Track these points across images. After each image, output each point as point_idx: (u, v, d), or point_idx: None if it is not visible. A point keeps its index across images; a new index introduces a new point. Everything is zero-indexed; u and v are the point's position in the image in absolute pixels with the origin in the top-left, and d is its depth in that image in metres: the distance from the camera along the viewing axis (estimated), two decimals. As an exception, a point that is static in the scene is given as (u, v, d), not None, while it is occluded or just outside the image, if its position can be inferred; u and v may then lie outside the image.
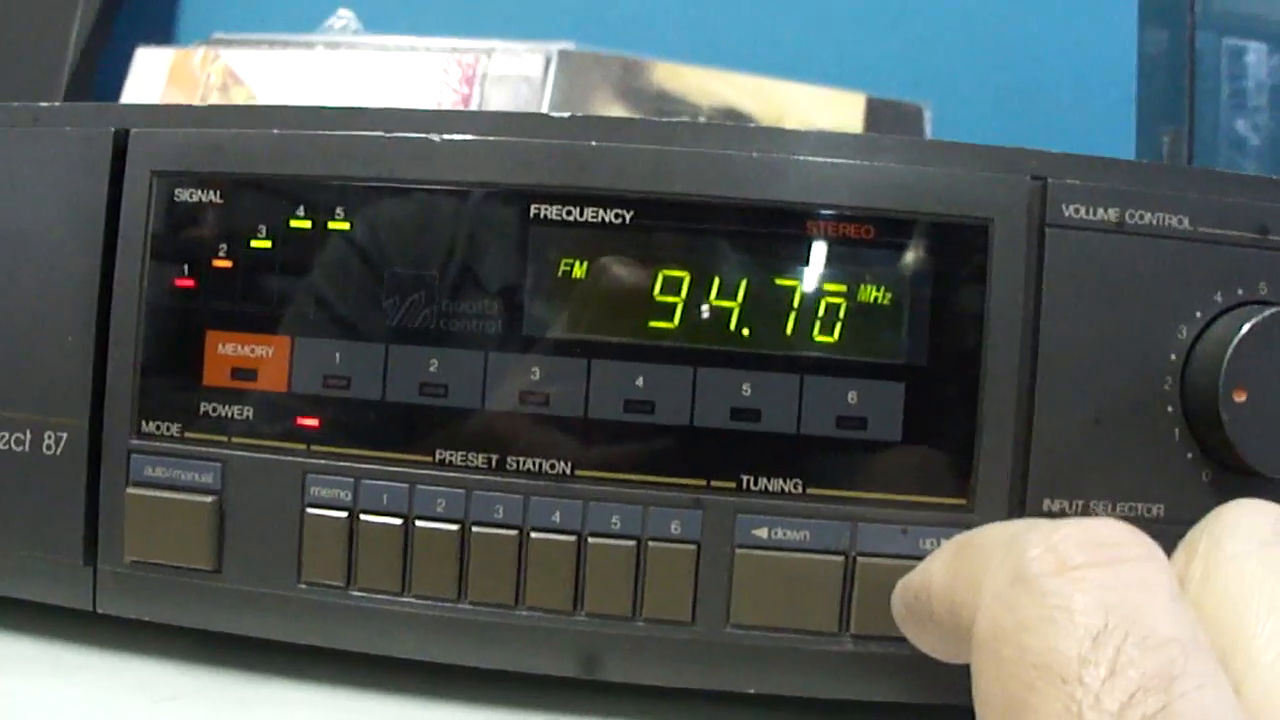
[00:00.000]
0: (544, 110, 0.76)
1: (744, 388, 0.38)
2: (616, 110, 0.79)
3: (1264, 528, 0.29)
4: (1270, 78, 0.81)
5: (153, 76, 0.82)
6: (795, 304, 0.38)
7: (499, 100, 0.77)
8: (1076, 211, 0.38)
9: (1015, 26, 0.93)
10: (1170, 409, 0.38)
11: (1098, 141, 0.89)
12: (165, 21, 0.96)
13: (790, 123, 0.81)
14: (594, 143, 0.39)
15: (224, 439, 0.40)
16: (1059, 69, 0.92)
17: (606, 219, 0.39)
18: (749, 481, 0.38)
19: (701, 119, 0.79)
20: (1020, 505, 0.38)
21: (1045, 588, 0.26)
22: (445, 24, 0.83)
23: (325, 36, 0.83)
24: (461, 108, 0.77)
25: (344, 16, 0.87)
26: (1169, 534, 0.37)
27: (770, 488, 0.38)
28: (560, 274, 0.39)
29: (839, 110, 0.82)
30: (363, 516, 0.39)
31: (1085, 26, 0.92)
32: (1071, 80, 0.92)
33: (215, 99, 0.80)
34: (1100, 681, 0.24)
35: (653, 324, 0.39)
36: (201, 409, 0.41)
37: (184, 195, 0.41)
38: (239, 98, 0.79)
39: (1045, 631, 0.25)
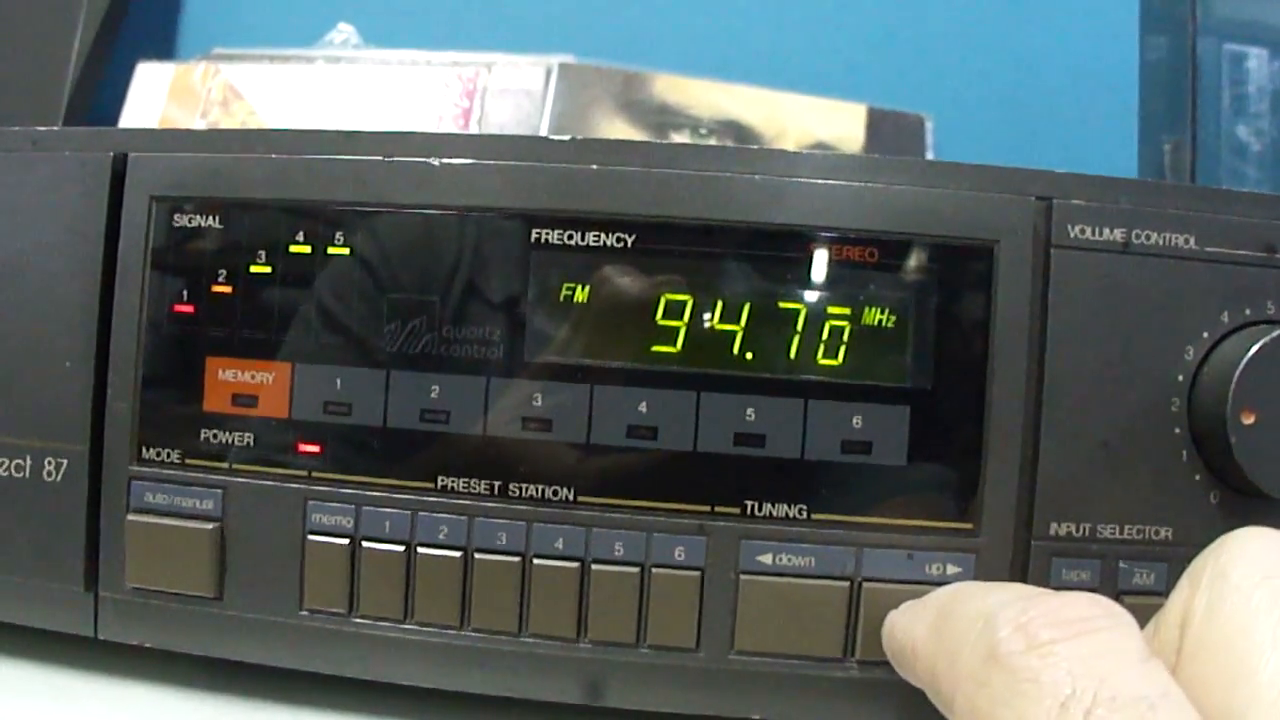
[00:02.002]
0: (545, 123, 0.76)
1: (748, 412, 0.38)
2: (617, 123, 0.78)
3: (1269, 558, 0.29)
4: (1271, 83, 0.81)
5: (154, 91, 0.82)
6: (799, 327, 0.38)
7: (500, 114, 0.77)
8: (1082, 232, 0.38)
9: (1016, 35, 0.92)
10: (1177, 431, 0.38)
11: (1100, 149, 0.88)
12: (166, 36, 0.96)
13: (791, 134, 0.80)
14: (595, 166, 0.39)
15: (224, 465, 0.40)
16: (1061, 77, 0.92)
17: (608, 243, 0.38)
18: (753, 507, 0.38)
19: (702, 131, 0.79)
20: (1027, 529, 0.38)
21: (1015, 665, 0.27)
22: (446, 38, 0.83)
23: (326, 51, 0.83)
24: (462, 122, 0.77)
25: (344, 31, 0.87)
26: (1177, 557, 0.37)
27: (774, 513, 0.38)
28: (562, 298, 0.39)
29: (840, 121, 0.81)
30: (364, 543, 0.39)
31: (1086, 34, 0.92)
32: (1073, 88, 0.92)
33: (216, 114, 0.79)
34: None
35: (655, 348, 0.38)
36: (202, 435, 0.40)
37: (183, 220, 0.41)
38: (240, 113, 0.79)
39: (1016, 704, 0.26)
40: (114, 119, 0.83)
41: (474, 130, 0.76)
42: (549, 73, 0.78)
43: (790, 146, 0.79)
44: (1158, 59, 0.86)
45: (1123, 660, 0.26)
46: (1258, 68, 0.81)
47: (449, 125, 0.77)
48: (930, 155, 0.81)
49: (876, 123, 0.83)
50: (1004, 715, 0.26)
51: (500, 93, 0.78)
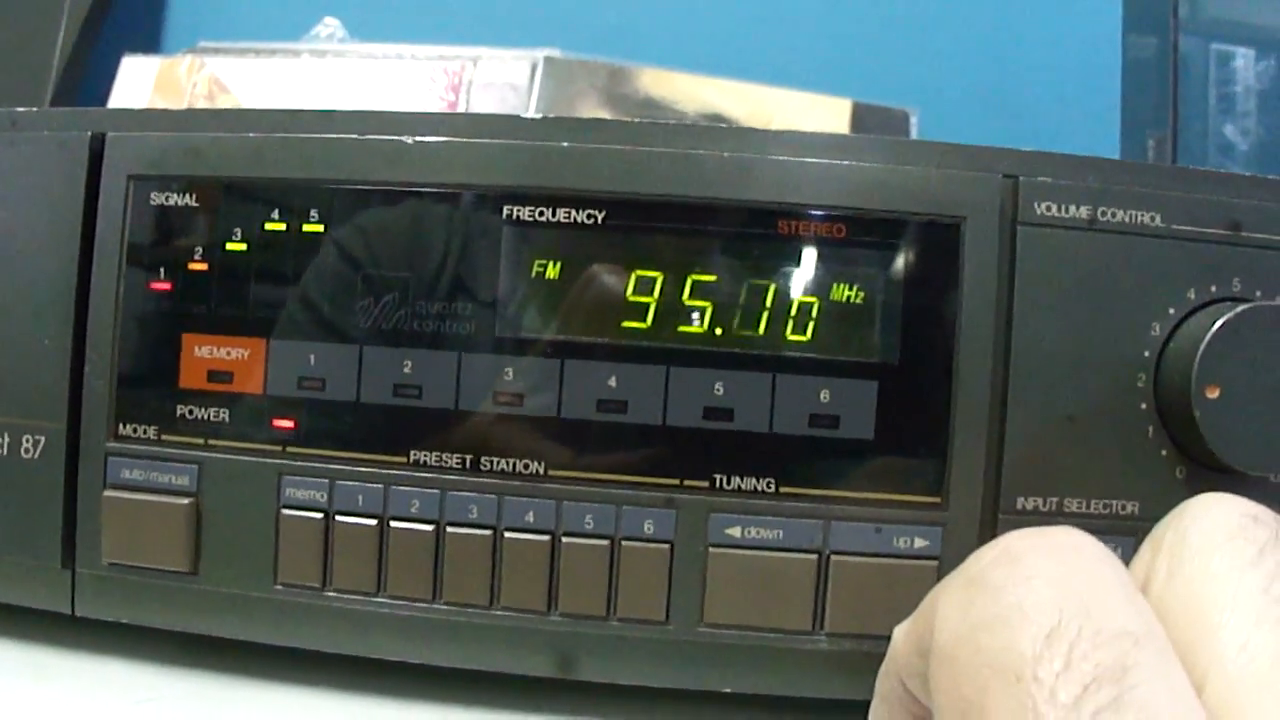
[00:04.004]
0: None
1: (716, 387, 0.38)
2: (602, 116, 0.79)
3: (1230, 521, 0.29)
4: (1257, 82, 0.81)
5: (139, 85, 0.82)
6: (768, 303, 0.38)
7: (485, 107, 0.77)
8: (1048, 209, 0.38)
9: (1001, 32, 0.93)
10: (1143, 406, 0.38)
11: (1082, 146, 0.88)
12: (151, 30, 0.97)
13: (776, 128, 0.81)
14: (566, 144, 0.39)
15: (200, 441, 0.41)
16: (1044, 74, 0.92)
17: (579, 219, 0.39)
18: (722, 481, 0.38)
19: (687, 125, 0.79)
20: (994, 503, 0.38)
21: (998, 582, 0.26)
22: (431, 32, 0.83)
23: (311, 45, 0.83)
24: (447, 115, 0.77)
25: (330, 24, 0.87)
26: (1143, 531, 0.36)
27: (743, 487, 0.38)
28: (533, 274, 0.39)
29: (825, 115, 0.82)
30: (338, 518, 0.40)
31: (1070, 32, 0.92)
32: (1057, 85, 0.92)
33: (201, 107, 0.80)
34: (1055, 676, 0.24)
35: (626, 324, 0.39)
36: (178, 411, 0.41)
37: (160, 199, 0.41)
38: (225, 106, 0.80)
39: (1000, 631, 0.25)
40: (100, 113, 0.83)
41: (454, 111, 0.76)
42: (534, 66, 0.78)
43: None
44: (1143, 57, 0.87)
45: (1108, 591, 0.25)
46: (1244, 67, 0.81)
47: (434, 118, 0.77)
48: (914, 149, 0.82)
49: (861, 117, 0.83)
50: (986, 641, 0.25)
51: (485, 86, 0.78)
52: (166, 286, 0.41)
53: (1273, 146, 0.81)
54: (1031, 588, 0.26)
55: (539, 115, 0.39)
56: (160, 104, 0.80)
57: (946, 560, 0.38)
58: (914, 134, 0.84)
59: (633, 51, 0.83)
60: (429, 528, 0.39)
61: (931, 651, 0.28)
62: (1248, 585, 0.27)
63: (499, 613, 0.39)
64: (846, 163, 0.39)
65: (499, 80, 0.78)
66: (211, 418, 0.40)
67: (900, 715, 0.32)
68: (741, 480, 0.38)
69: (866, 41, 0.93)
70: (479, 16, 0.93)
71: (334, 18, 0.88)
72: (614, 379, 0.38)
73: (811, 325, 0.38)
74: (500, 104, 0.78)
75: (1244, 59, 0.82)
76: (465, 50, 0.80)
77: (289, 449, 0.40)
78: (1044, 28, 0.93)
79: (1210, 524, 0.29)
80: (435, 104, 0.78)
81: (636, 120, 0.40)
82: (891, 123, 0.84)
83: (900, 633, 0.32)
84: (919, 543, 0.38)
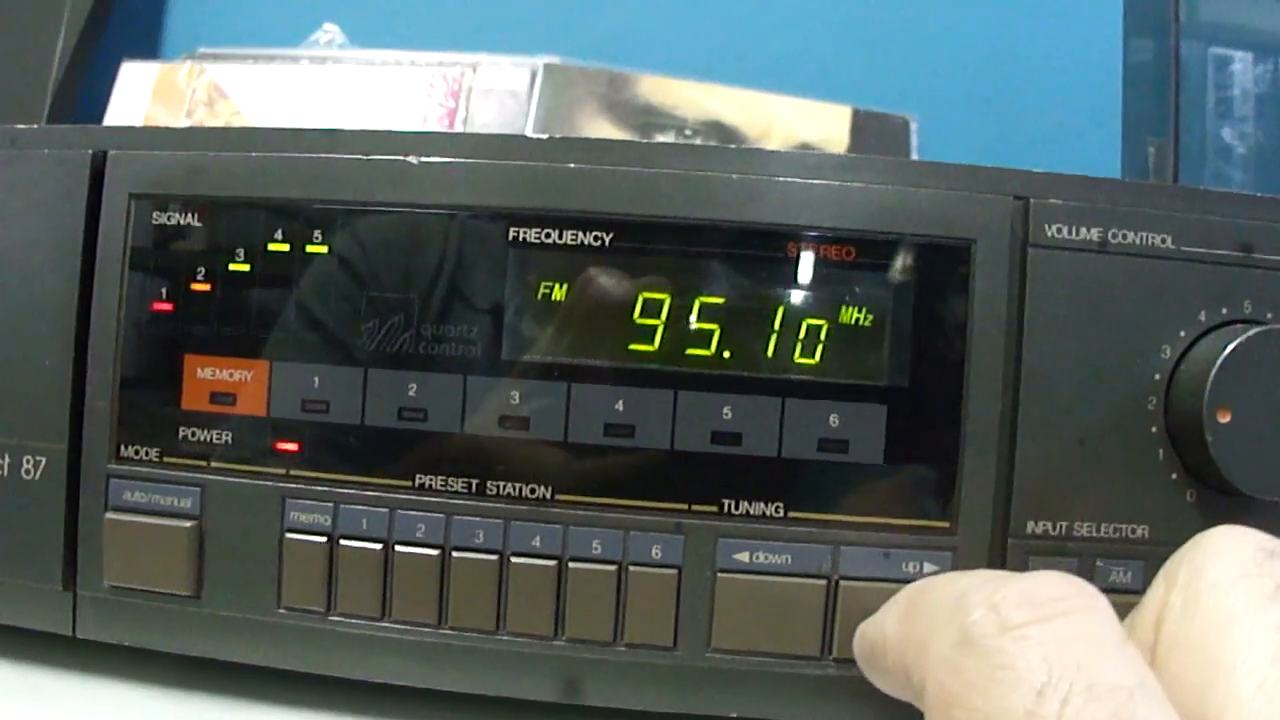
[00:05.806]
0: (530, 123, 0.76)
1: (725, 411, 0.38)
2: (602, 123, 0.78)
3: (1244, 557, 0.29)
4: (1256, 86, 0.81)
5: (138, 91, 0.82)
6: (776, 326, 0.38)
7: (485, 114, 0.77)
8: (1059, 231, 0.38)
9: (1001, 37, 0.92)
10: (1154, 429, 0.38)
11: (1084, 151, 0.89)
12: (151, 35, 0.96)
13: (776, 135, 0.80)
14: (573, 165, 0.39)
15: (203, 463, 0.40)
16: (1045, 79, 0.92)
17: (586, 241, 0.38)
18: (730, 505, 0.38)
19: (687, 132, 0.79)
20: (1004, 527, 0.38)
21: (989, 648, 0.27)
22: (431, 38, 0.83)
23: (311, 51, 0.83)
24: (447, 122, 0.77)
25: (330, 31, 0.87)
26: (1153, 555, 0.37)
27: (751, 511, 0.38)
28: (540, 297, 0.39)
29: (825, 122, 0.81)
30: (342, 541, 0.39)
31: (1070, 37, 0.92)
32: (1057, 90, 0.92)
33: (201, 114, 0.79)
34: None
35: (633, 347, 0.38)
36: (180, 433, 0.40)
37: (162, 218, 0.41)
38: (224, 112, 0.79)
39: (992, 691, 0.26)
40: (98, 119, 0.82)
41: (459, 131, 0.76)
42: (534, 73, 0.78)
43: (775, 148, 0.79)
44: (1143, 61, 0.87)
45: (1099, 645, 0.26)
46: (1242, 71, 0.81)
47: (434, 126, 0.77)
48: (915, 156, 0.82)
49: (861, 124, 0.83)
50: (978, 703, 0.26)
51: (485, 93, 0.78)
52: (168, 307, 0.40)
53: (1270, 150, 0.81)
54: (1020, 648, 0.26)
55: (545, 135, 0.38)
56: (160, 110, 0.80)
57: (956, 585, 0.37)
58: (914, 140, 0.83)
59: (632, 58, 0.83)
60: (434, 552, 0.39)
61: (925, 705, 0.29)
62: (1264, 622, 0.27)
63: (505, 637, 0.39)
64: (855, 184, 0.38)
65: (498, 87, 0.78)
66: (214, 440, 0.40)
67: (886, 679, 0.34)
68: (750, 505, 0.38)
69: (866, 47, 0.93)
70: (479, 23, 0.92)
71: (334, 24, 0.87)
72: (621, 402, 0.38)
73: (820, 348, 0.38)
74: (500, 111, 0.78)
75: (1242, 62, 0.82)
76: (465, 57, 0.80)
77: (293, 472, 0.40)
78: (1044, 33, 0.93)
79: (1225, 560, 0.29)
80: (434, 111, 0.78)
81: (644, 141, 0.40)
82: (891, 129, 0.84)
83: (885, 638, 0.33)
84: (928, 567, 0.38)
